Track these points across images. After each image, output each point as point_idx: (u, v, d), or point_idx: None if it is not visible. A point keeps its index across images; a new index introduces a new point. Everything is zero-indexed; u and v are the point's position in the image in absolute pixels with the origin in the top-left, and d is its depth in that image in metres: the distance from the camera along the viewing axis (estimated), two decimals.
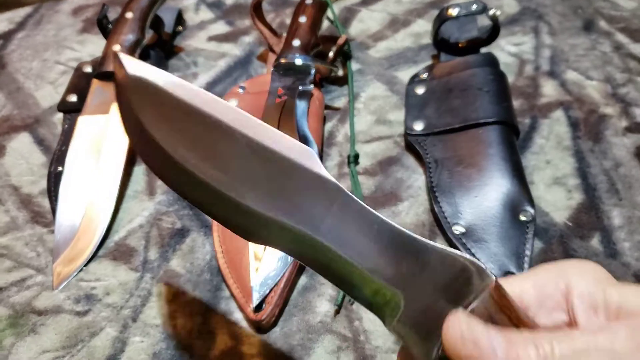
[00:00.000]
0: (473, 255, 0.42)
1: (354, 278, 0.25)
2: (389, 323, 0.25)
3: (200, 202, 0.28)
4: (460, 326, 0.23)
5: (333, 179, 0.26)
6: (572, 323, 0.25)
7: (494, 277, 0.23)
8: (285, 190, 0.26)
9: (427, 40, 0.63)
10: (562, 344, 0.21)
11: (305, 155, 0.26)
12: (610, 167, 0.49)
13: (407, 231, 0.25)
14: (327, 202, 0.25)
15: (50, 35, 0.72)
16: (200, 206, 0.28)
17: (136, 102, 0.27)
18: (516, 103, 0.55)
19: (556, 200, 0.47)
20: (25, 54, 0.69)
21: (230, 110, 0.27)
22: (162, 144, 0.26)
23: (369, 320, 0.40)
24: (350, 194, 0.26)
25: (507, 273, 0.41)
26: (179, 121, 0.27)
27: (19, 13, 0.76)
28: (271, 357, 0.39)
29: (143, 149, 0.28)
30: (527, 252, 0.42)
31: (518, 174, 0.46)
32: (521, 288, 0.26)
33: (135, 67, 0.27)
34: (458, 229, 0.44)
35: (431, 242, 0.25)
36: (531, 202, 0.44)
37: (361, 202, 0.26)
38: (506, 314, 0.23)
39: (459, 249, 0.43)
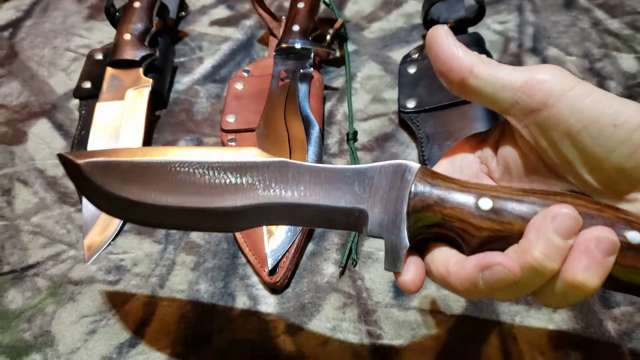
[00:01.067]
0: None
1: (327, 214, 0.32)
2: (365, 232, 0.31)
3: (186, 225, 0.36)
4: (443, 30, 0.30)
5: (278, 158, 0.32)
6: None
7: (419, 165, 0.30)
8: (248, 183, 0.32)
9: (418, 20, 0.67)
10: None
11: (251, 152, 0.33)
12: None
13: (347, 166, 0.32)
14: (282, 175, 0.32)
15: (58, 23, 0.75)
16: (191, 227, 0.37)
17: (106, 183, 0.34)
18: None
19: None
20: (35, 42, 0.72)
21: (173, 151, 0.34)
22: (135, 198, 0.33)
23: (370, 280, 0.45)
24: (295, 161, 0.32)
25: None
26: (134, 176, 0.33)
27: (25, 1, 0.78)
28: (285, 314, 0.44)
29: (119, 212, 0.36)
30: None
31: None
32: (443, 169, 0.33)
33: (82, 157, 0.34)
34: None
35: (368, 164, 0.31)
36: None
37: (306, 163, 0.32)
38: (442, 179, 0.30)
39: None
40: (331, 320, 0.43)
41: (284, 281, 0.45)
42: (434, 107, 0.54)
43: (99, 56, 0.64)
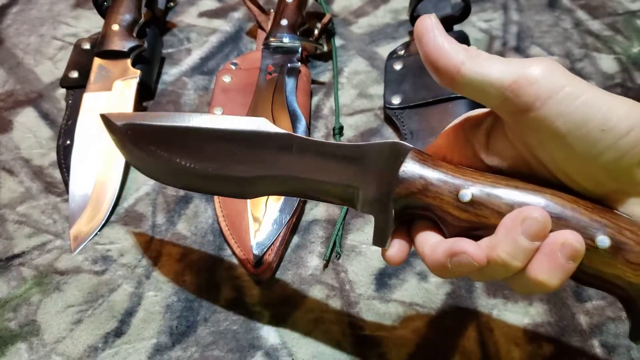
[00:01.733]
0: None
1: (324, 188, 0.34)
2: (358, 207, 0.33)
3: (201, 188, 0.39)
4: (430, 20, 0.30)
5: (284, 131, 0.34)
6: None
7: (411, 147, 0.31)
8: (257, 153, 0.35)
9: (405, 16, 0.68)
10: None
11: (262, 123, 0.35)
12: None
13: (346, 143, 0.33)
14: (287, 147, 0.34)
15: (45, 10, 0.74)
16: (204, 190, 0.40)
17: (134, 141, 0.38)
18: None
19: None
20: (21, 29, 0.72)
21: (195, 117, 0.36)
22: (164, 159, 0.37)
23: (353, 272, 0.47)
24: (299, 135, 0.34)
25: None
26: (167, 139, 0.36)
27: None
28: (269, 306, 0.45)
29: (148, 171, 0.40)
30: None
31: None
32: (434, 149, 0.34)
33: (121, 118, 0.38)
34: None
35: (364, 143, 0.32)
36: None
37: (309, 138, 0.34)
38: (430, 164, 0.31)
39: None
40: (314, 312, 0.44)
41: (268, 273, 0.46)
42: (419, 104, 0.55)
43: (87, 46, 0.64)
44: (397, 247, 0.32)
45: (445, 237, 0.31)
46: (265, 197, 0.48)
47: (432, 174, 0.30)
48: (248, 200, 0.48)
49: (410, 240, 0.33)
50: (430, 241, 0.31)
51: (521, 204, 0.28)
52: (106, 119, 0.39)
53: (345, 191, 0.33)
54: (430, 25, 0.29)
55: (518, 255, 0.27)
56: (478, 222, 0.29)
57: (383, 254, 0.33)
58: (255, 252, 0.45)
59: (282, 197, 0.48)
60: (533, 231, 0.27)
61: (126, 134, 0.38)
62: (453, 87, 0.30)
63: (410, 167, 0.31)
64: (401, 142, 0.31)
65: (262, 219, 0.47)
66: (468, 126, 0.33)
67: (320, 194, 0.35)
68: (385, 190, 0.31)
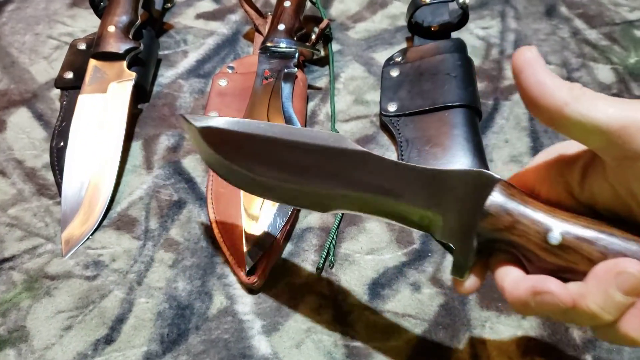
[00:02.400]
0: None
1: (401, 212, 0.33)
2: (437, 235, 0.32)
3: (273, 196, 0.39)
4: (531, 53, 0.28)
5: (361, 149, 0.34)
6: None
7: (499, 179, 0.30)
8: (333, 169, 0.34)
9: (403, 22, 0.68)
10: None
11: (340, 138, 0.34)
12: None
13: (423, 167, 0.32)
14: (363, 166, 0.33)
15: (41, 9, 0.74)
16: (276, 199, 0.39)
17: (211, 145, 0.37)
18: (481, 85, 0.61)
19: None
20: (17, 28, 0.71)
21: (275, 127, 0.36)
22: (238, 163, 0.37)
23: (346, 282, 0.46)
24: (375, 154, 0.33)
25: None
26: (242, 145, 0.36)
27: None
28: (262, 315, 0.45)
29: (225, 175, 0.39)
30: None
31: (479, 153, 0.51)
32: (523, 180, 0.32)
33: (200, 120, 0.38)
34: None
35: (448, 169, 0.32)
36: None
37: (387, 158, 0.33)
38: (519, 200, 0.29)
39: None
40: (306, 321, 0.44)
41: (261, 282, 0.45)
42: (415, 112, 0.55)
43: (82, 46, 0.63)
44: (473, 279, 0.31)
45: (528, 273, 0.29)
46: (260, 203, 0.48)
47: (520, 211, 0.29)
48: (242, 207, 0.48)
49: (486, 270, 0.32)
50: (511, 275, 0.29)
51: (616, 253, 0.26)
52: (185, 120, 0.39)
53: (422, 217, 0.32)
54: (531, 58, 0.28)
55: (610, 308, 0.26)
56: (566, 266, 0.28)
57: (457, 285, 0.32)
58: (248, 260, 0.45)
59: (277, 205, 0.48)
60: (628, 286, 0.25)
61: (203, 136, 0.38)
62: (553, 126, 0.28)
63: (497, 201, 0.29)
64: (488, 172, 0.30)
65: (256, 225, 0.47)
66: (563, 161, 0.31)
67: (397, 216, 0.33)
68: (468, 222, 0.30)
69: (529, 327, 0.43)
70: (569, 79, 0.61)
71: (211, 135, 0.38)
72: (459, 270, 0.31)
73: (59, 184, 0.53)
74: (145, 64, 0.61)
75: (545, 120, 0.28)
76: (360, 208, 0.35)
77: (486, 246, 0.30)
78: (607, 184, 0.28)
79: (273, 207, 0.48)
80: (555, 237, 0.28)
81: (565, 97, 0.26)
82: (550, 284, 0.27)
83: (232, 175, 0.38)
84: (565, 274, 0.28)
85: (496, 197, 0.29)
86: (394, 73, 0.59)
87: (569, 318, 0.28)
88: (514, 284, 0.29)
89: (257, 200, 0.48)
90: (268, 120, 0.53)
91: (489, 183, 0.30)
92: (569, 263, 0.27)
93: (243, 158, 0.37)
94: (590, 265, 0.27)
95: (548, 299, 0.27)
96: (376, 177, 0.33)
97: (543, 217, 0.28)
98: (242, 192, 0.49)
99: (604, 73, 0.61)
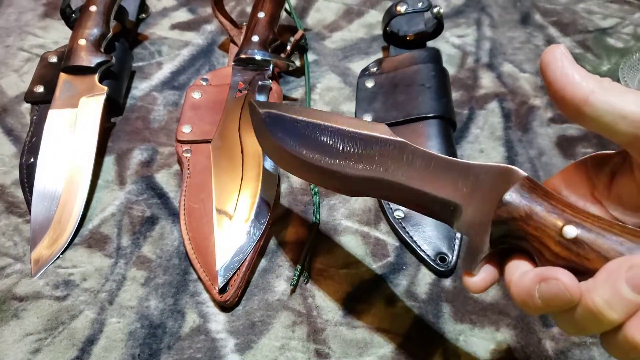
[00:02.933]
0: (411, 237, 0.48)
1: (426, 201, 0.34)
2: (455, 226, 0.33)
3: (315, 180, 0.42)
4: (559, 50, 0.28)
5: (400, 139, 0.35)
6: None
7: (524, 175, 0.29)
8: (369, 155, 0.36)
9: (379, 31, 0.68)
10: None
11: (383, 128, 0.36)
12: (535, 155, 0.55)
13: (457, 160, 0.33)
14: (399, 155, 0.35)
15: (12, 20, 0.72)
16: (318, 182, 0.42)
17: (273, 132, 0.41)
18: (457, 94, 0.61)
19: None
20: None
21: (323, 113, 0.39)
22: (298, 154, 0.39)
23: (320, 297, 0.46)
24: (412, 144, 0.35)
25: (440, 254, 0.47)
26: (302, 135, 0.39)
27: None
28: (235, 333, 0.44)
29: (277, 159, 0.43)
30: (458, 236, 0.48)
31: None
32: (552, 184, 0.32)
33: (264, 107, 0.42)
34: (399, 214, 0.50)
35: (476, 162, 0.32)
36: None
37: (422, 149, 0.34)
38: (540, 194, 0.29)
39: (399, 232, 0.49)
40: (280, 339, 0.44)
41: (234, 299, 0.45)
42: (390, 123, 0.55)
43: (53, 59, 0.62)
44: (482, 277, 0.31)
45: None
46: (231, 217, 0.48)
47: (538, 202, 0.28)
48: (215, 223, 0.48)
49: (499, 274, 0.31)
50: (521, 268, 0.29)
51: (633, 252, 0.25)
52: (252, 105, 0.43)
53: (445, 207, 0.33)
54: (559, 54, 0.28)
55: (616, 305, 0.23)
56: (578, 262, 0.26)
57: (466, 280, 0.31)
58: (221, 278, 0.45)
59: (250, 219, 0.48)
60: (639, 282, 0.23)
61: (264, 121, 0.41)
62: (579, 120, 0.27)
63: (517, 192, 0.29)
64: (517, 169, 0.30)
65: (228, 242, 0.46)
66: (592, 163, 0.31)
67: (422, 206, 0.34)
68: (487, 212, 0.30)
69: (502, 339, 0.43)
70: (543, 87, 0.61)
71: (271, 120, 0.41)
72: (469, 262, 0.31)
73: (28, 202, 0.52)
74: (117, 77, 0.60)
75: (571, 112, 0.27)
76: (387, 195, 0.37)
77: (501, 241, 0.30)
78: (634, 185, 0.28)
79: (246, 224, 0.47)
80: (571, 230, 0.27)
81: (592, 86, 0.26)
82: (558, 272, 0.25)
83: (283, 159, 0.41)
84: (577, 275, 0.26)
85: (517, 189, 0.29)
86: (369, 84, 0.59)
87: (573, 323, 0.26)
88: (521, 274, 0.28)
89: (230, 215, 0.48)
90: (240, 135, 0.53)
91: (514, 177, 0.29)
92: (582, 259, 0.26)
93: (293, 142, 0.39)
94: (603, 263, 0.26)
95: (554, 287, 0.25)
96: (410, 167, 0.34)
97: (560, 210, 0.28)
98: (214, 207, 0.48)
99: None
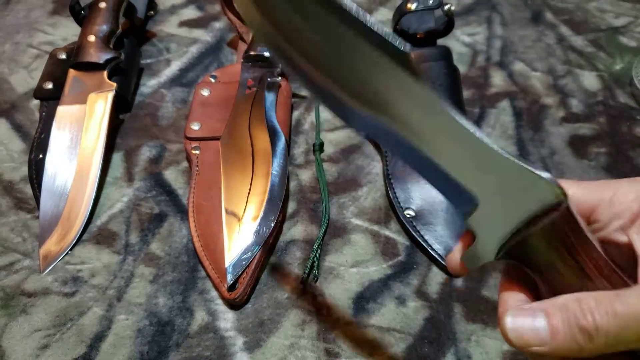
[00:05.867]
0: (422, 237, 0.48)
1: (447, 179, 0.28)
2: (465, 218, 0.29)
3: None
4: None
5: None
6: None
7: (567, 202, 0.25)
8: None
9: (389, 28, 0.67)
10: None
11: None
12: (547, 154, 0.55)
13: (500, 150, 0.27)
14: (428, 107, 0.27)
15: (21, 17, 0.72)
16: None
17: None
18: (467, 93, 0.60)
19: None
20: None
21: None
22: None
23: (331, 296, 0.46)
24: (444, 102, 0.27)
25: None
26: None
27: None
28: (244, 331, 0.44)
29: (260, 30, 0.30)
30: None
31: None
32: (600, 196, 0.28)
33: None
34: (409, 213, 0.49)
35: (524, 165, 0.26)
36: None
37: (457, 117, 0.27)
38: (569, 240, 0.26)
39: (410, 231, 0.48)
40: (289, 338, 0.43)
41: (243, 297, 0.45)
42: None
43: (62, 56, 0.62)
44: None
45: (538, 298, 0.28)
46: (240, 215, 0.47)
47: (561, 255, 0.26)
48: (224, 221, 0.47)
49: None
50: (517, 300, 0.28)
51: None
52: None
53: (461, 193, 0.28)
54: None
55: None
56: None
57: (456, 267, 0.30)
58: (230, 275, 0.44)
59: (259, 217, 0.47)
60: None
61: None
62: None
63: (550, 229, 0.26)
64: (562, 188, 0.26)
65: (238, 239, 0.46)
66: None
67: (439, 182, 0.29)
68: (506, 222, 0.27)
69: None
70: (555, 86, 0.61)
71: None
72: (475, 261, 0.29)
73: (37, 198, 0.52)
74: (126, 74, 0.60)
75: None
76: (413, 159, 0.29)
77: (508, 256, 0.28)
78: None
79: (255, 221, 0.47)
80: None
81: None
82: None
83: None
84: None
85: (553, 224, 0.26)
86: None
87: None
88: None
89: (239, 212, 0.47)
90: (250, 131, 0.53)
91: (552, 195, 0.26)
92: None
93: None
94: None
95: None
96: (428, 129, 0.28)
97: (581, 270, 0.27)
98: (223, 204, 0.48)
99: (590, 80, 0.61)
